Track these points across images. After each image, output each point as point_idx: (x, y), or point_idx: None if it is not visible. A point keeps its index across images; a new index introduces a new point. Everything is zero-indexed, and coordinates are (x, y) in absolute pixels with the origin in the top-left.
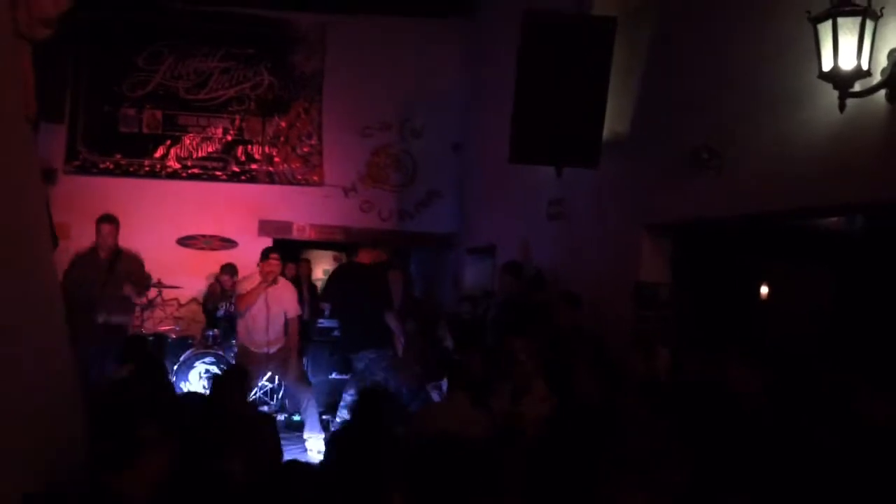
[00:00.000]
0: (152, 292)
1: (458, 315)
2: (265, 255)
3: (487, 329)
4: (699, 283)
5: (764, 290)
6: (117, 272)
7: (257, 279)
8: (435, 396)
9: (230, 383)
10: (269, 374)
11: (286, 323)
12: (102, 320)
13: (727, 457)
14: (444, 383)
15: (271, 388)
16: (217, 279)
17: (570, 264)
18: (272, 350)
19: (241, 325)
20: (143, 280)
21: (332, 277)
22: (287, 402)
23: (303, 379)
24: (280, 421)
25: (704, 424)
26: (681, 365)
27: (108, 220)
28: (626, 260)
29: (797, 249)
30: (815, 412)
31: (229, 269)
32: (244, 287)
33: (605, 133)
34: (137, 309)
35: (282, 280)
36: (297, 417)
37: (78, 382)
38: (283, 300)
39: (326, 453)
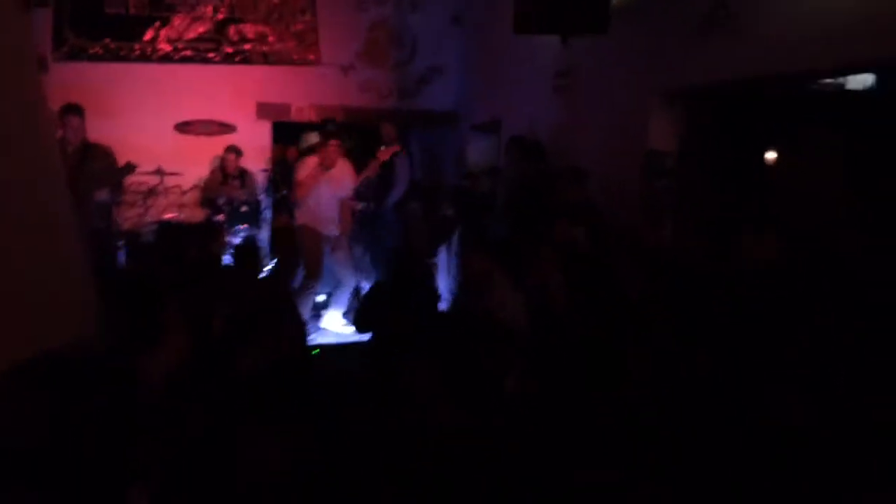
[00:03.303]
0: (154, 180)
1: (462, 189)
2: (324, 140)
3: (499, 210)
4: (710, 151)
5: (777, 157)
6: (87, 171)
7: (314, 163)
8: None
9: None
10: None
11: None
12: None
13: (739, 326)
14: (443, 256)
15: None
16: (221, 161)
17: (577, 137)
18: (333, 232)
19: (301, 208)
20: (115, 176)
21: None
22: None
23: (350, 259)
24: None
25: (712, 293)
26: (688, 234)
27: (76, 111)
28: (636, 130)
29: (810, 114)
30: (827, 286)
31: (234, 149)
32: (302, 173)
33: None
34: (139, 198)
35: (340, 162)
36: (321, 297)
37: (87, 256)
38: (339, 182)
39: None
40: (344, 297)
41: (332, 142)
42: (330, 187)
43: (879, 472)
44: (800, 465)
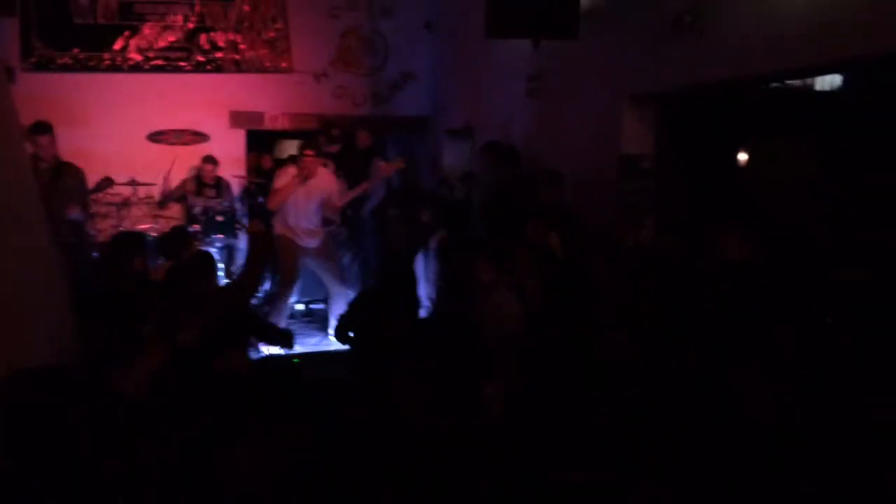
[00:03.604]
0: (127, 191)
1: (438, 195)
2: (300, 152)
3: (475, 215)
4: (683, 153)
5: (749, 157)
6: (61, 188)
7: (293, 172)
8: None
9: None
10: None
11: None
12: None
13: (720, 323)
14: (420, 261)
15: None
16: (198, 170)
17: (551, 141)
18: (312, 244)
19: (278, 217)
20: (85, 196)
21: None
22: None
23: (336, 267)
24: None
25: (687, 289)
26: (665, 234)
27: (44, 131)
28: (609, 132)
29: (781, 114)
30: (797, 280)
31: (211, 159)
32: (280, 181)
33: (584, 1)
34: (113, 209)
35: (321, 170)
36: (317, 305)
37: (61, 270)
38: (324, 190)
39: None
40: (340, 307)
41: (307, 152)
42: (310, 197)
43: (876, 469)
44: (795, 463)
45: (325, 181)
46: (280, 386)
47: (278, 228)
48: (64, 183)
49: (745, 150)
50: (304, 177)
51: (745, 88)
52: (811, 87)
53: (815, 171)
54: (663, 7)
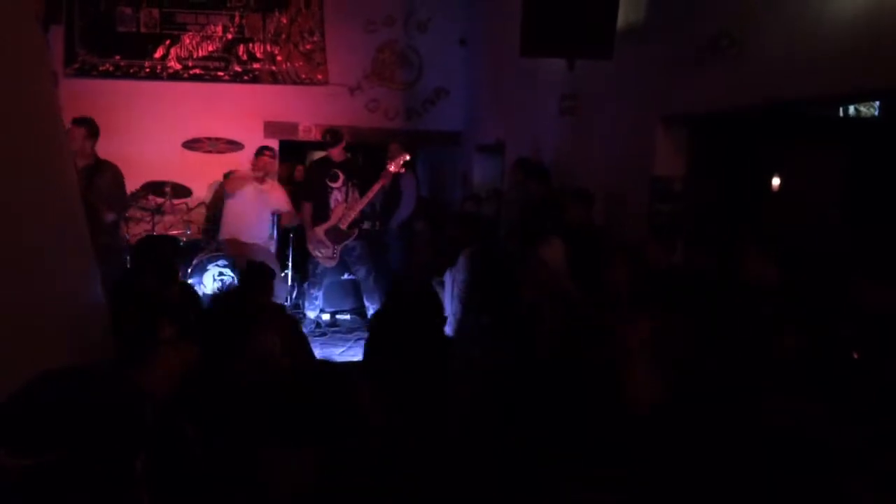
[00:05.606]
0: (161, 197)
1: (463, 211)
2: (259, 151)
3: (503, 230)
4: (715, 175)
5: (779, 180)
6: (96, 186)
7: (250, 173)
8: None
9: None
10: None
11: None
12: None
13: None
14: (448, 277)
15: None
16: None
17: (582, 160)
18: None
19: (227, 218)
20: (120, 198)
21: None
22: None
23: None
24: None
25: (714, 312)
26: (694, 257)
27: (79, 123)
28: (641, 153)
29: (813, 138)
30: (821, 303)
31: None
32: (235, 176)
33: (619, 22)
34: (147, 214)
35: (269, 181)
36: (343, 316)
37: (98, 271)
38: (272, 200)
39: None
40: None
41: (267, 151)
42: (260, 203)
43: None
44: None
45: (273, 190)
46: (317, 393)
47: (224, 231)
48: (100, 181)
49: (778, 172)
50: (257, 173)
51: (781, 111)
52: (845, 109)
53: (847, 193)
54: (698, 30)
